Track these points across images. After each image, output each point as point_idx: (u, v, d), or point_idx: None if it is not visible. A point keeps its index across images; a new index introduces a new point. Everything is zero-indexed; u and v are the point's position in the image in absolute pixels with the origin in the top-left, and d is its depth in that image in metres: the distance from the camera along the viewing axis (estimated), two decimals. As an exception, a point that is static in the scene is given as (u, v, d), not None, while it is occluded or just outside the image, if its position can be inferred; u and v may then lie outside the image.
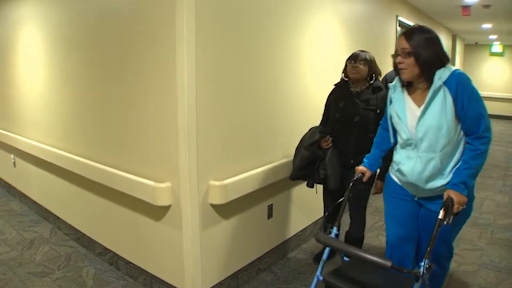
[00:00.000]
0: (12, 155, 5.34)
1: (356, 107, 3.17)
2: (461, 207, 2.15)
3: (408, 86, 2.34)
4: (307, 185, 3.32)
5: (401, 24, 6.48)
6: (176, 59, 2.59)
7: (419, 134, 2.25)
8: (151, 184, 2.81)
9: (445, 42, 10.34)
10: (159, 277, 3.12)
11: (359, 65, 3.15)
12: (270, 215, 3.48)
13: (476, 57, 14.86)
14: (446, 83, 2.15)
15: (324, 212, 3.59)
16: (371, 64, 3.20)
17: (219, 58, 2.82)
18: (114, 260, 3.56)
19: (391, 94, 2.44)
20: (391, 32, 6.11)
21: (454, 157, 2.26)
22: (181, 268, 2.88)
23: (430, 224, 2.20)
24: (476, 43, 14.72)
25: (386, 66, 5.78)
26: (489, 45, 14.58)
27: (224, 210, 2.97)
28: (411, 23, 6.83)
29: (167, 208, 2.86)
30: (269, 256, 3.55)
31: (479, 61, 14.79)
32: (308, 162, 3.19)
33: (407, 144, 2.34)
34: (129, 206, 3.24)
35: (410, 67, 2.22)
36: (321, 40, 3.95)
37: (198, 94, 2.64)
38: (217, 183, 2.78)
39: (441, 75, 2.16)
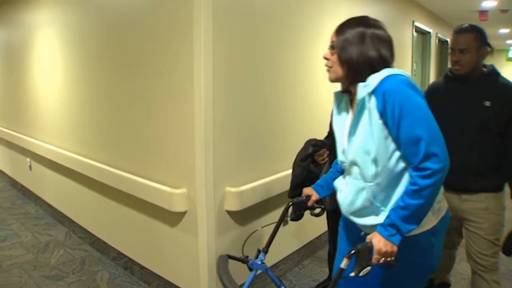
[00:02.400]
0: (28, 159, 5.38)
1: None
2: (383, 259, 1.63)
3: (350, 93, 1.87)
4: None
5: (418, 29, 6.43)
6: (193, 65, 2.59)
7: (349, 156, 1.80)
8: (167, 190, 2.81)
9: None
10: (174, 283, 3.10)
11: None
12: (285, 222, 3.45)
13: (492, 62, 14.63)
14: (375, 92, 1.66)
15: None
16: None
17: (236, 65, 2.81)
18: (129, 265, 3.56)
19: (334, 102, 1.95)
20: (408, 38, 6.06)
21: (396, 192, 1.72)
22: (196, 274, 2.86)
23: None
24: (493, 48, 14.54)
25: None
26: (505, 51, 14.44)
27: (240, 216, 2.95)
28: (427, 29, 6.78)
29: (182, 214, 2.85)
30: (284, 263, 3.52)
31: (496, 66, 14.59)
32: (303, 179, 2.69)
33: (343, 168, 1.93)
34: (144, 212, 3.23)
35: (334, 66, 1.80)
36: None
37: (214, 100, 2.64)
38: (233, 189, 2.77)
39: (369, 82, 1.67)
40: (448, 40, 8.06)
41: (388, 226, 1.64)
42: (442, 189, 1.78)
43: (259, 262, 2.01)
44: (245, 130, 2.92)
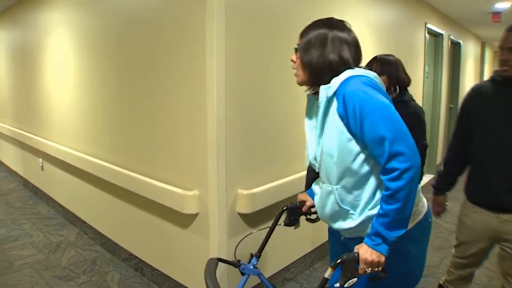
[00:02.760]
0: (40, 159, 5.41)
1: None
2: (369, 269, 1.57)
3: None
4: None
5: (430, 31, 6.38)
6: (205, 67, 2.58)
7: (317, 159, 1.78)
8: (178, 192, 2.80)
9: (474, 50, 10.20)
10: (185, 285, 3.10)
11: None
12: (297, 224, 3.44)
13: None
14: (336, 95, 1.64)
15: None
16: (391, 75, 2.74)
17: (249, 65, 2.80)
18: (140, 266, 3.56)
19: (306, 105, 1.92)
20: (420, 40, 6.01)
21: (363, 194, 1.67)
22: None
23: None
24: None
25: (414, 75, 5.70)
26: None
27: (252, 219, 2.93)
28: (440, 31, 6.73)
29: (194, 216, 2.85)
30: (296, 266, 3.51)
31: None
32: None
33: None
34: (156, 213, 3.23)
35: (299, 69, 1.78)
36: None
37: (227, 102, 2.63)
38: (245, 192, 2.76)
39: (330, 85, 1.66)
40: (461, 42, 8.01)
41: (372, 236, 1.58)
42: (419, 190, 1.77)
43: (251, 267, 1.95)
44: (257, 132, 2.91)
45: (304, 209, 2.13)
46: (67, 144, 4.50)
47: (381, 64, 2.74)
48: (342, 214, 1.73)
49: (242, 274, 1.97)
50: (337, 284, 1.54)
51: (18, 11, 5.92)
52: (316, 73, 1.71)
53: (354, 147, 1.63)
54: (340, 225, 1.76)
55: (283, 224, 2.10)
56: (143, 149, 3.25)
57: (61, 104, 4.64)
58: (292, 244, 3.43)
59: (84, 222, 4.42)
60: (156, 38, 2.97)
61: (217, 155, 2.61)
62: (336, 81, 1.64)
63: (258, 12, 2.85)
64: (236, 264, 1.96)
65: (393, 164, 1.52)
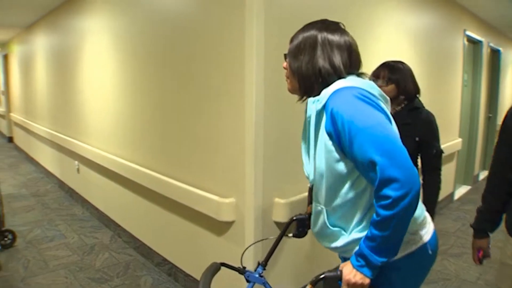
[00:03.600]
0: (76, 162, 5.49)
1: None
2: None
3: None
4: None
5: (469, 39, 6.23)
6: (245, 74, 2.56)
7: (311, 176, 1.65)
8: (215, 199, 2.79)
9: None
10: (218, 292, 3.08)
11: (382, 85, 2.55)
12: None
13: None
14: (325, 108, 1.48)
15: None
16: (400, 83, 2.58)
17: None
18: (173, 272, 3.56)
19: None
20: (458, 47, 5.88)
21: (352, 218, 1.54)
22: (240, 284, 2.83)
23: None
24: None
25: (451, 83, 5.58)
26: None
27: (288, 228, 2.89)
28: (479, 38, 6.57)
29: (230, 223, 2.83)
30: (330, 277, 3.44)
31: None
32: None
33: None
34: (191, 219, 3.23)
35: (290, 77, 1.65)
36: (385, 53, 3.84)
37: (266, 109, 2.60)
38: (282, 200, 2.72)
39: (319, 97, 1.50)
40: (501, 49, 7.80)
41: (358, 256, 1.46)
42: (421, 219, 1.59)
43: (256, 275, 1.88)
44: (295, 140, 2.87)
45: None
46: (103, 148, 4.56)
47: (389, 71, 2.58)
48: (330, 234, 1.62)
49: (248, 281, 1.93)
50: None
51: (57, 17, 6.05)
52: (305, 82, 1.58)
53: (342, 169, 1.49)
54: (327, 244, 1.66)
55: (291, 235, 2.04)
56: (180, 155, 3.26)
57: (98, 108, 4.70)
58: (328, 255, 3.38)
59: (118, 226, 4.46)
60: (196, 44, 2.97)
61: (254, 163, 2.59)
62: (325, 93, 1.49)
63: (298, 18, 2.81)
64: (241, 270, 1.89)
65: (386, 191, 1.34)
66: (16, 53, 9.70)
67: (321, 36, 1.55)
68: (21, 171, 8.06)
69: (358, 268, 1.45)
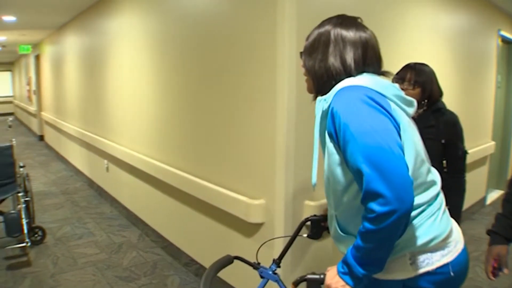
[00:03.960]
0: (105, 161, 5.55)
1: None
2: None
3: None
4: None
5: (504, 39, 6.07)
6: (276, 75, 2.54)
7: (313, 179, 1.58)
8: (244, 200, 2.77)
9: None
10: (246, 294, 3.06)
11: (408, 88, 2.44)
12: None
13: None
14: (329, 108, 1.40)
15: None
16: (427, 86, 2.47)
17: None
18: (200, 272, 3.55)
19: None
20: (491, 47, 5.73)
21: (358, 223, 1.41)
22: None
23: None
24: None
25: (484, 84, 5.45)
26: None
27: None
28: (514, 38, 6.40)
29: (259, 225, 2.80)
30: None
31: None
32: None
33: None
34: (220, 220, 3.21)
35: (306, 76, 1.59)
36: (417, 54, 3.76)
37: (297, 111, 2.57)
38: (312, 203, 2.68)
39: (326, 96, 1.43)
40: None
41: (343, 263, 1.39)
42: (433, 236, 1.43)
43: (270, 272, 1.83)
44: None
45: (326, 223, 1.95)
46: (133, 147, 4.59)
47: (416, 74, 2.47)
48: (343, 239, 1.56)
49: (261, 277, 1.89)
50: None
51: (87, 18, 6.13)
52: (318, 81, 1.50)
53: (345, 174, 1.40)
54: (342, 249, 1.59)
55: (305, 235, 2.03)
56: (210, 156, 3.25)
57: (128, 108, 4.73)
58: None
59: (146, 225, 4.49)
60: (226, 45, 2.96)
61: (285, 165, 2.56)
62: (332, 92, 1.41)
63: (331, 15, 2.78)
64: (255, 266, 1.89)
65: (371, 205, 1.25)
66: (47, 53, 9.87)
67: (334, 32, 1.47)
68: (52, 169, 8.20)
69: (341, 275, 1.39)
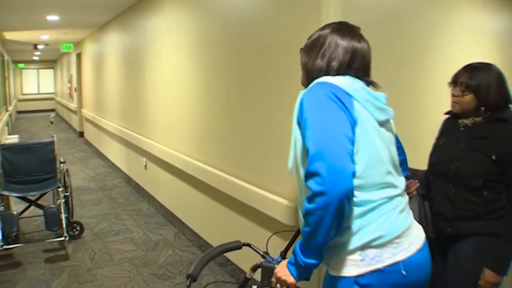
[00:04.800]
0: (144, 158, 5.59)
1: (458, 148, 2.11)
2: (279, 286, 1.51)
3: None
4: None
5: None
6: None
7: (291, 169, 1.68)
8: (284, 203, 2.72)
9: None
10: (282, 298, 3.01)
11: (458, 95, 2.10)
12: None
13: None
14: None
15: None
16: (481, 92, 2.04)
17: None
18: (236, 273, 3.52)
19: None
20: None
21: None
22: (307, 291, 2.75)
23: None
24: None
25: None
26: None
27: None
28: None
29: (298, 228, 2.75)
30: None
31: None
32: None
33: None
34: (257, 222, 3.17)
35: (301, 70, 1.72)
36: (466, 59, 3.64)
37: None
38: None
39: (305, 89, 1.56)
40: None
41: (292, 253, 1.46)
42: (382, 234, 1.46)
43: (274, 262, 1.80)
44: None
45: None
46: (171, 146, 4.60)
47: (469, 77, 2.07)
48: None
49: None
50: (254, 287, 1.59)
51: (128, 17, 6.20)
52: (310, 77, 1.62)
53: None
54: None
55: None
56: (248, 156, 3.22)
57: (167, 107, 4.75)
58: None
59: (183, 223, 4.49)
60: (268, 47, 2.92)
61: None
62: (308, 86, 1.55)
63: (375, 20, 2.72)
64: (262, 255, 1.89)
65: (309, 183, 1.34)
66: (88, 51, 10.07)
67: (331, 37, 1.59)
68: (90, 165, 8.35)
69: (288, 265, 1.48)
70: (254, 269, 1.62)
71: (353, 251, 1.45)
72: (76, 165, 8.24)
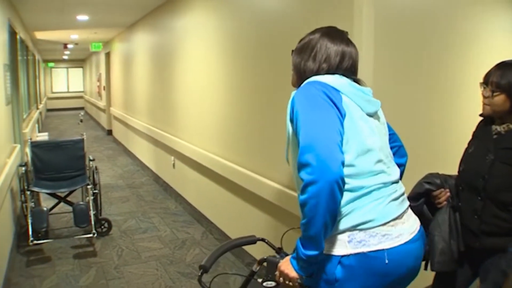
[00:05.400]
0: (172, 157, 5.61)
1: (487, 160, 1.92)
2: (282, 279, 1.56)
3: None
4: None
5: None
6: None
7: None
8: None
9: None
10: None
11: (488, 97, 1.92)
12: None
13: None
14: None
15: None
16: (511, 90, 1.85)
17: (400, 71, 2.65)
18: (263, 273, 3.47)
19: None
20: None
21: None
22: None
23: None
24: None
25: None
26: None
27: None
28: None
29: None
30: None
31: None
32: None
33: None
34: (284, 222, 3.14)
35: (293, 71, 1.83)
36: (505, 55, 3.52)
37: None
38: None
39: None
40: None
41: (295, 247, 1.52)
42: (372, 217, 1.52)
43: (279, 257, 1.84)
44: (410, 140, 2.70)
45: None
46: (200, 145, 4.60)
47: (499, 75, 1.88)
48: None
49: None
50: (259, 280, 1.67)
51: (157, 16, 6.23)
52: (301, 77, 1.72)
53: None
54: None
55: None
56: (279, 157, 3.17)
57: (195, 106, 4.76)
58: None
59: (211, 222, 4.48)
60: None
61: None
62: (300, 86, 1.65)
63: (408, 20, 2.66)
64: (276, 250, 1.93)
65: (301, 174, 1.42)
66: (117, 51, 10.18)
67: (322, 40, 1.69)
68: (119, 163, 8.43)
69: (291, 259, 1.54)
70: (260, 262, 1.69)
71: (342, 232, 1.51)
72: (104, 162, 8.33)
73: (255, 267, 1.71)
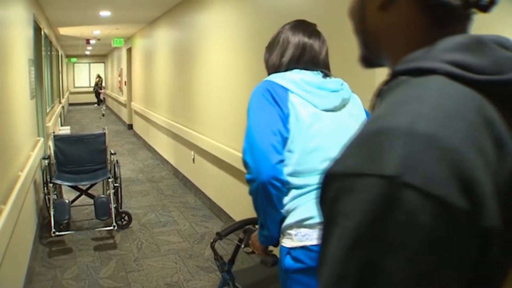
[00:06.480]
0: (192, 151, 5.63)
1: None
2: (252, 249, 1.82)
3: None
4: None
5: None
6: (375, 78, 2.41)
7: None
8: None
9: None
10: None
11: None
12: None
13: None
14: None
15: None
16: None
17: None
18: (282, 269, 3.49)
19: None
20: None
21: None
22: None
23: None
24: None
25: None
26: None
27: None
28: None
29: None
30: None
31: None
32: None
33: None
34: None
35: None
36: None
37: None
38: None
39: None
40: None
41: None
42: (312, 215, 1.55)
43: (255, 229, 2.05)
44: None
45: None
46: (220, 140, 4.60)
47: None
48: None
49: None
50: (242, 245, 1.95)
51: (178, 12, 6.24)
52: (269, 71, 1.76)
53: None
54: None
55: None
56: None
57: (217, 101, 4.76)
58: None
59: (230, 217, 4.49)
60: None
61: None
62: None
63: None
64: None
65: (245, 164, 1.56)
66: (138, 46, 10.24)
67: (284, 34, 1.73)
68: (139, 157, 8.50)
69: (259, 232, 1.71)
70: (244, 231, 1.93)
71: (290, 226, 1.59)
72: (125, 156, 8.40)
73: (241, 235, 1.95)
